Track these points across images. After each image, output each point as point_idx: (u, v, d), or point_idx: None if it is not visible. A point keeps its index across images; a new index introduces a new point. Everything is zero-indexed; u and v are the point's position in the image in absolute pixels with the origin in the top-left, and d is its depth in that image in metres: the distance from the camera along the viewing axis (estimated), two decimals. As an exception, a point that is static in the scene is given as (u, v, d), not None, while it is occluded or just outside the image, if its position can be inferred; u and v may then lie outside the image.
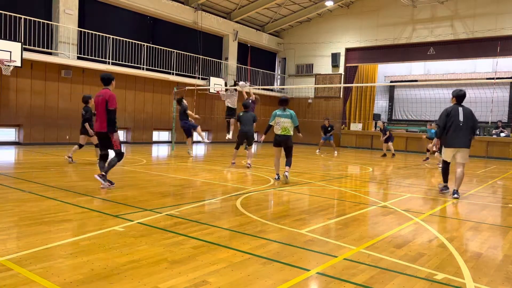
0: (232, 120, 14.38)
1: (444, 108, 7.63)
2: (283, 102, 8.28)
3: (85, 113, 9.75)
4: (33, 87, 14.74)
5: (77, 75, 15.86)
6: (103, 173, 6.59)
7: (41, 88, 14.95)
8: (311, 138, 22.33)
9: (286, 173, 8.04)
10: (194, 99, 19.78)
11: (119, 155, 6.74)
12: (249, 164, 10.48)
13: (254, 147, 11.31)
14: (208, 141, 15.25)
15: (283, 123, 8.09)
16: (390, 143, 16.61)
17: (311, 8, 23.64)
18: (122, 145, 6.86)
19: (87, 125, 9.77)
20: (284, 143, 8.20)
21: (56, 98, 15.41)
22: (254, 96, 13.47)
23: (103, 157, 6.84)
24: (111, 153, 6.83)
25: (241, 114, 10.91)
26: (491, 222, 5.47)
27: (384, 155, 17.04)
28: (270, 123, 8.39)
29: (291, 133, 8.19)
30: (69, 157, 10.03)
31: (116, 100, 6.62)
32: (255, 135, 13.52)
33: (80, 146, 10.16)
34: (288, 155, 8.28)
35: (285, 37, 26.26)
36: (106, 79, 6.71)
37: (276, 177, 8.33)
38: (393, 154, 16.60)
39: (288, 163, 8.21)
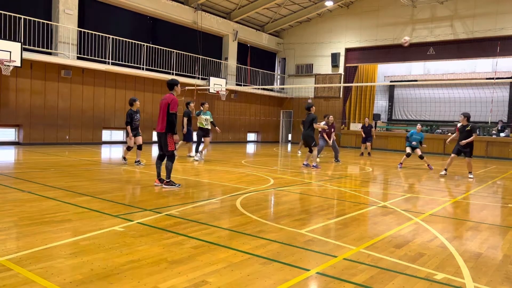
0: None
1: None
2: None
3: (183, 114, 11.69)
4: (33, 87, 14.73)
5: (77, 75, 15.85)
6: (167, 180, 6.99)
7: (41, 88, 14.95)
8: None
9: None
10: (194, 99, 19.79)
11: (171, 157, 7.01)
12: (305, 164, 11.43)
13: (316, 149, 11.57)
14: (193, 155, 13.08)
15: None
16: (369, 143, 16.38)
17: (311, 8, 23.63)
18: (175, 147, 7.18)
19: (185, 120, 11.89)
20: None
21: (56, 98, 15.40)
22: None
23: (161, 157, 7.19)
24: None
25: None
26: (491, 222, 5.47)
27: (362, 154, 16.73)
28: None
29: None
30: (191, 156, 11.12)
31: (177, 104, 6.98)
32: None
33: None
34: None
35: (285, 37, 26.26)
36: (170, 84, 7.15)
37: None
38: (369, 153, 16.52)
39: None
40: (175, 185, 7.02)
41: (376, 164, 13.59)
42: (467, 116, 10.56)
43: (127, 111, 10.17)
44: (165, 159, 7.08)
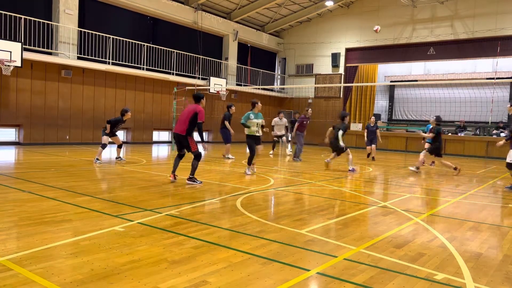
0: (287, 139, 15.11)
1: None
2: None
3: (224, 116, 12.55)
4: (33, 87, 14.74)
5: (77, 75, 15.86)
6: (190, 176, 7.46)
7: (41, 88, 14.95)
8: (311, 137, 22.34)
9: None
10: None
11: (198, 156, 7.48)
12: (352, 169, 10.71)
13: (350, 154, 11.06)
14: (233, 158, 12.88)
15: None
16: (374, 146, 14.76)
17: (311, 8, 23.63)
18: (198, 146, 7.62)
19: (227, 123, 12.50)
20: None
21: (56, 98, 15.41)
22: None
23: (181, 156, 7.78)
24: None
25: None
26: (491, 222, 5.47)
27: (369, 155, 15.00)
28: None
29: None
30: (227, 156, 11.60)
31: (204, 115, 7.48)
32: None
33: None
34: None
35: (285, 37, 26.26)
36: (197, 97, 7.61)
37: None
38: (373, 158, 14.83)
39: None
40: (196, 182, 7.45)
41: (377, 164, 13.58)
42: (436, 119, 11.15)
43: (118, 118, 10.47)
44: (193, 158, 7.51)
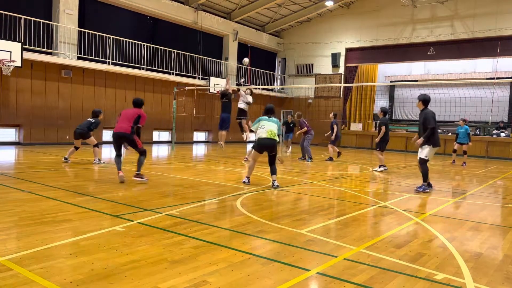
0: (243, 121, 14.48)
1: (431, 110, 7.96)
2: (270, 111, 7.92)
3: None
4: (33, 87, 14.73)
5: (77, 75, 15.85)
6: (137, 173, 7.52)
7: (41, 88, 14.95)
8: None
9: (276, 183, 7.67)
10: (194, 99, 19.80)
11: (144, 152, 7.64)
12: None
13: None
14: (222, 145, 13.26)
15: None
16: (330, 145, 13.90)
17: (311, 8, 23.64)
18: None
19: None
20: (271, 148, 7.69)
21: (56, 98, 15.40)
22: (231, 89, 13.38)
23: (120, 155, 7.82)
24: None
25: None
26: (491, 222, 5.47)
27: (331, 158, 13.82)
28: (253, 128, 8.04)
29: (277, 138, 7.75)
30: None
31: (145, 120, 7.76)
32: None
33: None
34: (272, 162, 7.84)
35: (285, 37, 26.26)
36: (139, 103, 7.82)
37: (246, 181, 7.84)
38: (331, 158, 13.86)
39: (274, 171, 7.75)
40: (143, 178, 7.51)
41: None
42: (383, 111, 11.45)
43: (96, 121, 10.16)
44: (139, 155, 7.64)
